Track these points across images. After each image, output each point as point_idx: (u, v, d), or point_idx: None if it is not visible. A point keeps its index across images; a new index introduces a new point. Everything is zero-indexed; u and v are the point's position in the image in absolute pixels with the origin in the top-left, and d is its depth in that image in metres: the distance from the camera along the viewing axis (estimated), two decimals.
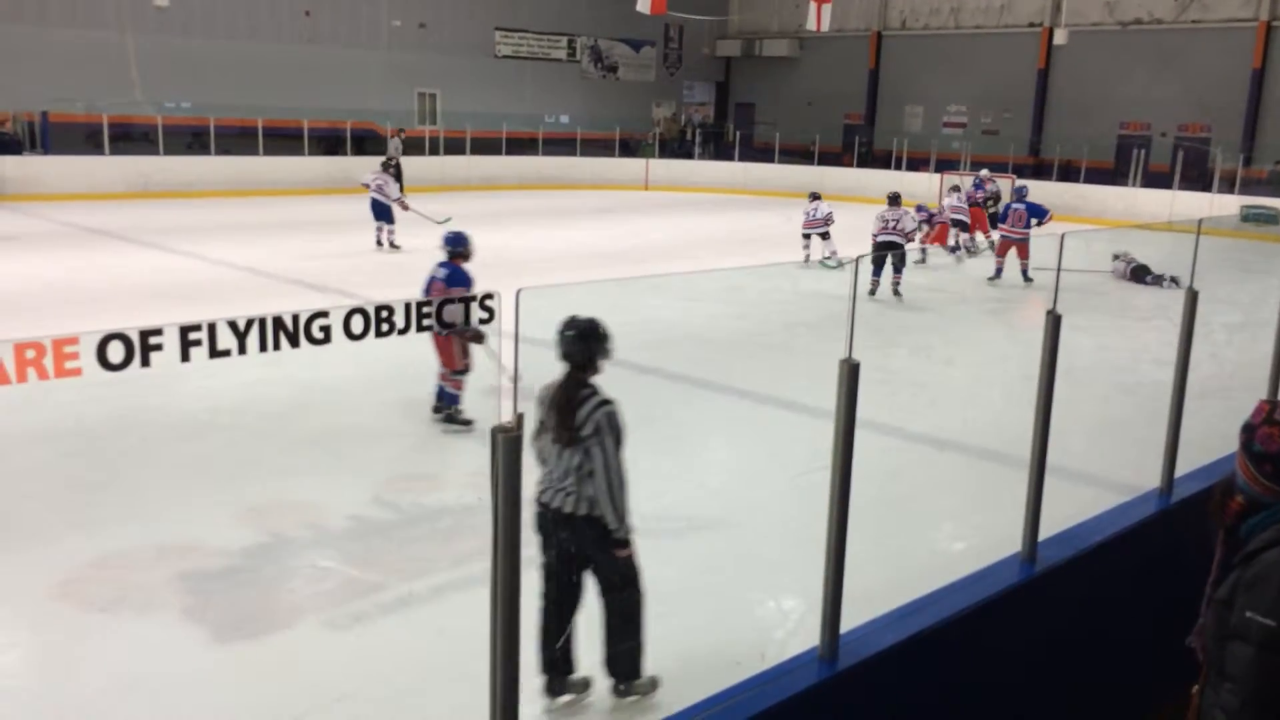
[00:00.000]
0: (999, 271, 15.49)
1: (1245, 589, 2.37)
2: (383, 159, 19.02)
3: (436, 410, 7.57)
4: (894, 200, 15.23)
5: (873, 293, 13.45)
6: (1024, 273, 15.40)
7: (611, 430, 3.76)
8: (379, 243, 16.55)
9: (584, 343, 3.82)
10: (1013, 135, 29.80)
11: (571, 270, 15.05)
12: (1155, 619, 3.69)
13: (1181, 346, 4.35)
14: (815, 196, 17.08)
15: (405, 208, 16.49)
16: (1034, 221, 15.35)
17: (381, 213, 16.40)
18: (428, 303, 1.96)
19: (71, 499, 6.16)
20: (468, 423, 7.47)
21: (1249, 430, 2.50)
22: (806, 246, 16.66)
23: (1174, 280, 15.10)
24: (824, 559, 3.00)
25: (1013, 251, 15.35)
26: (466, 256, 7.56)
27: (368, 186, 16.46)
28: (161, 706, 4.17)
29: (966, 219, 17.95)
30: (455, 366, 7.38)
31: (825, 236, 16.45)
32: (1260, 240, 18.79)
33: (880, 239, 14.64)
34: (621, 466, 3.81)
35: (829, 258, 15.91)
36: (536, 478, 3.89)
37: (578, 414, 3.75)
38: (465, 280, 7.36)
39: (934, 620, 3.22)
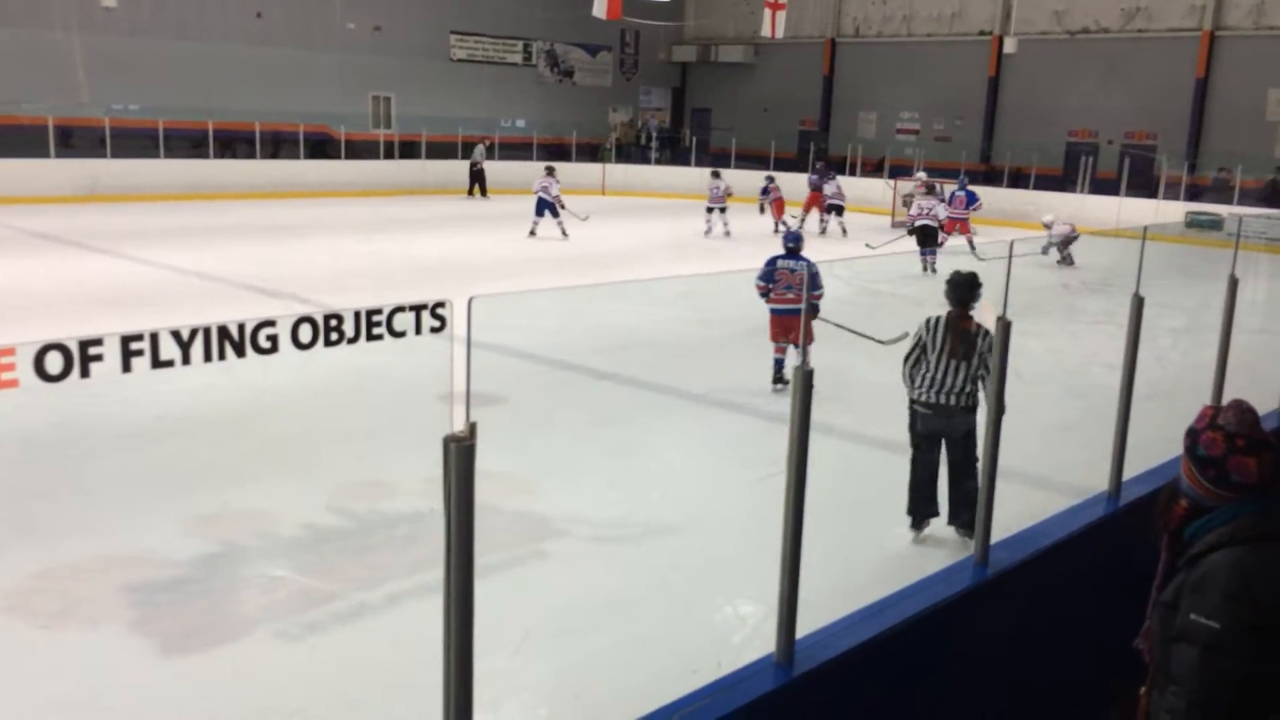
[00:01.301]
0: (942, 242, 18.16)
1: (1190, 592, 2.41)
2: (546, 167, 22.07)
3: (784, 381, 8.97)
4: (930, 189, 18.14)
5: (924, 269, 15.88)
6: (971, 245, 17.89)
7: (992, 346, 5.49)
8: (532, 233, 19.67)
9: (970, 289, 5.73)
10: (964, 142, 30.19)
11: (528, 275, 15.01)
12: (1105, 620, 3.74)
13: (1128, 351, 4.42)
14: (716, 174, 21.34)
15: (563, 206, 19.68)
16: (972, 206, 19.02)
17: (544, 208, 19.69)
18: (377, 311, 1.94)
19: (13, 509, 6.01)
20: None
21: (1193, 435, 2.53)
22: (709, 221, 20.67)
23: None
24: (779, 564, 3.00)
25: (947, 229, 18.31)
26: (801, 249, 9.18)
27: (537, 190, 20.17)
28: None
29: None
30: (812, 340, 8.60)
31: (724, 210, 20.60)
32: (1204, 246, 19.16)
33: (918, 224, 17.36)
34: None
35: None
36: (917, 386, 5.80)
37: (974, 340, 5.65)
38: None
39: (889, 624, 3.23)
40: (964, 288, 5.75)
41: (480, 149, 28.16)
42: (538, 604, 5.02)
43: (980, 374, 5.64)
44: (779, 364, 9.10)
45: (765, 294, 9.03)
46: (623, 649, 4.69)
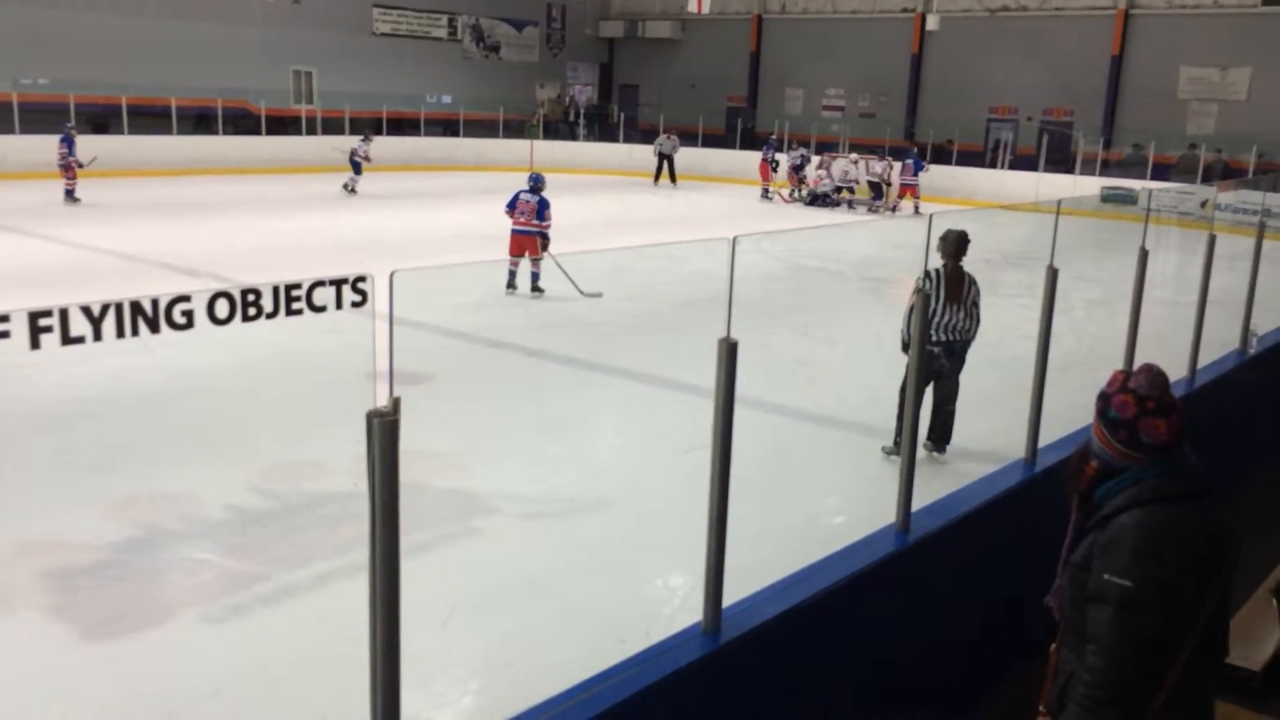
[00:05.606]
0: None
1: (1101, 552, 2.49)
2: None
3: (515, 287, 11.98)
4: (852, 160, 24.67)
5: (836, 203, 24.48)
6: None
7: (979, 293, 6.77)
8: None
9: (961, 245, 6.62)
10: (889, 118, 30.52)
11: (454, 252, 14.85)
12: (1020, 582, 3.85)
13: (1043, 322, 4.53)
14: (366, 139, 23.03)
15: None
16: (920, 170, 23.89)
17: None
18: (296, 285, 1.91)
19: None
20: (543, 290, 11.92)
21: (1104, 398, 2.61)
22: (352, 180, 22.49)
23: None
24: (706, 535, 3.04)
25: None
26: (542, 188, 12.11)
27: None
28: (27, 709, 4.00)
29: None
30: (538, 255, 11.73)
31: (359, 171, 22.51)
32: (1118, 220, 19.66)
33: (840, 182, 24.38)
34: None
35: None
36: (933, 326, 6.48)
37: (965, 285, 6.68)
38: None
39: (813, 591, 3.29)
40: (956, 243, 6.67)
41: (665, 140, 28.81)
42: (468, 581, 5.01)
43: (972, 311, 6.75)
44: (512, 274, 11.96)
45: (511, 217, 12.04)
46: (553, 623, 4.71)
